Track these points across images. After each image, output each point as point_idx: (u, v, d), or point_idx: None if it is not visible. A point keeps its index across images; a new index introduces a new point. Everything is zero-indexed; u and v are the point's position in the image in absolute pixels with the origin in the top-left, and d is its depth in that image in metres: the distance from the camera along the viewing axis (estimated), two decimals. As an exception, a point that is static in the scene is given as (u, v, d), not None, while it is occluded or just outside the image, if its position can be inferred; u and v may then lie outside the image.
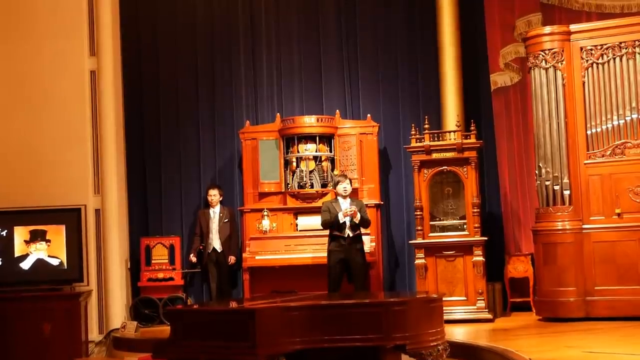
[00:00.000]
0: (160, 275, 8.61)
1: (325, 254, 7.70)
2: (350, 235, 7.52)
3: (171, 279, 8.63)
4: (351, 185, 7.75)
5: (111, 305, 8.36)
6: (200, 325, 4.92)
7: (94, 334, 8.21)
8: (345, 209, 7.45)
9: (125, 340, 7.76)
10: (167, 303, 8.44)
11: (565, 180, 7.48)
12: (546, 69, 7.59)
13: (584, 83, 7.55)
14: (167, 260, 8.68)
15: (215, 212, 8.57)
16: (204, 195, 8.83)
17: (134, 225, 8.93)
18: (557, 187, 7.50)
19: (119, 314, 8.37)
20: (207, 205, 8.65)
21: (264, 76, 9.25)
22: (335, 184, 7.74)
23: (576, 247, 7.38)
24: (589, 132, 7.51)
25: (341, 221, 7.44)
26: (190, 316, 5.12)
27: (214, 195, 8.57)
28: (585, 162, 7.49)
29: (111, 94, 8.49)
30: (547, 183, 7.53)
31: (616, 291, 7.24)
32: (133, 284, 8.73)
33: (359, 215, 7.46)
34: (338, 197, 7.69)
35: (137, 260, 8.74)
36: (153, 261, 8.66)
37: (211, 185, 8.76)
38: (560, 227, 7.45)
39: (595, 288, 7.32)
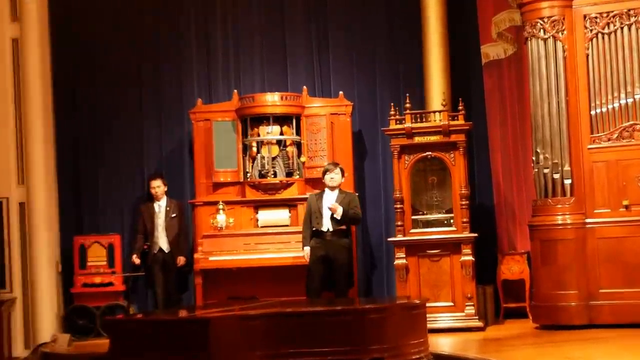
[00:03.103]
0: (98, 279, 8.57)
1: (291, 255, 7.79)
2: (331, 229, 7.57)
3: (110, 284, 8.60)
4: (342, 176, 7.80)
5: (39, 315, 8.32)
6: (145, 337, 4.93)
7: (19, 350, 8.19)
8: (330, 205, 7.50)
9: (56, 356, 7.71)
10: (105, 312, 8.40)
11: (566, 167, 7.57)
12: (545, 40, 7.66)
13: (587, 56, 7.64)
14: (105, 263, 8.64)
15: (160, 206, 8.52)
16: (147, 187, 8.78)
17: (66, 222, 8.88)
18: (556, 176, 7.58)
19: (48, 326, 8.34)
20: (151, 198, 8.60)
21: (218, 46, 9.22)
22: (324, 173, 7.80)
23: (578, 244, 7.49)
24: (593, 113, 7.61)
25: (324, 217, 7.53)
26: (133, 327, 5.13)
27: (157, 187, 8.53)
28: (589, 146, 7.59)
29: (37, 66, 8.41)
30: (546, 171, 7.61)
31: (623, 294, 7.36)
32: (65, 290, 8.69)
33: (339, 211, 7.50)
34: (326, 189, 7.74)
35: (69, 263, 8.68)
36: (89, 263, 8.62)
37: (152, 175, 8.71)
38: (560, 222, 7.54)
39: (600, 291, 7.43)
